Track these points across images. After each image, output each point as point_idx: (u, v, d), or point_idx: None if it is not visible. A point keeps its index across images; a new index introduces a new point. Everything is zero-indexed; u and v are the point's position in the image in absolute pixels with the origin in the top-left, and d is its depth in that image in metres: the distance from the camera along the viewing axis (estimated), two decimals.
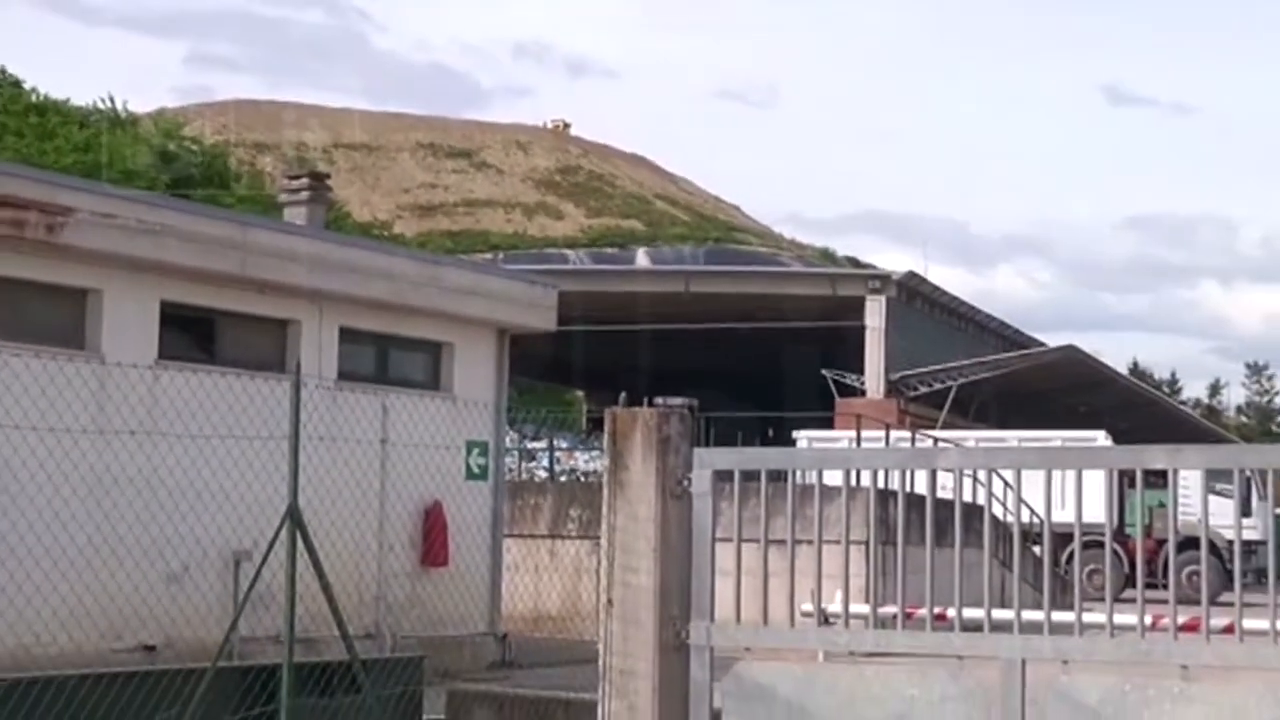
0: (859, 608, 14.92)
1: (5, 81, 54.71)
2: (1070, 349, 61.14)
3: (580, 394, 57.17)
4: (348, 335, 24.30)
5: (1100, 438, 35.10)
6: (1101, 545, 16.31)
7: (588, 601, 28.11)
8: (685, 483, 14.67)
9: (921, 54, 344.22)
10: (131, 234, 21.82)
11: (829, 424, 44.41)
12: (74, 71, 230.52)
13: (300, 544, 12.72)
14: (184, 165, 53.54)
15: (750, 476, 14.93)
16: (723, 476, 14.85)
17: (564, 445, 57.08)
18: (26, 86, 55.63)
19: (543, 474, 48.78)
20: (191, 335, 22.54)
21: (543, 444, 55.94)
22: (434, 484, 25.23)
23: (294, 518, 12.55)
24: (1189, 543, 15.76)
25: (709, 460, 14.84)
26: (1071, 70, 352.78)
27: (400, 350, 25.78)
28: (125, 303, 21.60)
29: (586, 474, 45.50)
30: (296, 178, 33.89)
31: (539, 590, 30.82)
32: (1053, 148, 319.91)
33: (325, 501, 12.43)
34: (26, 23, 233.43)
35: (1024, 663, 13.41)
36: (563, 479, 45.86)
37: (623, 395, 15.90)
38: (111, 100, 61.36)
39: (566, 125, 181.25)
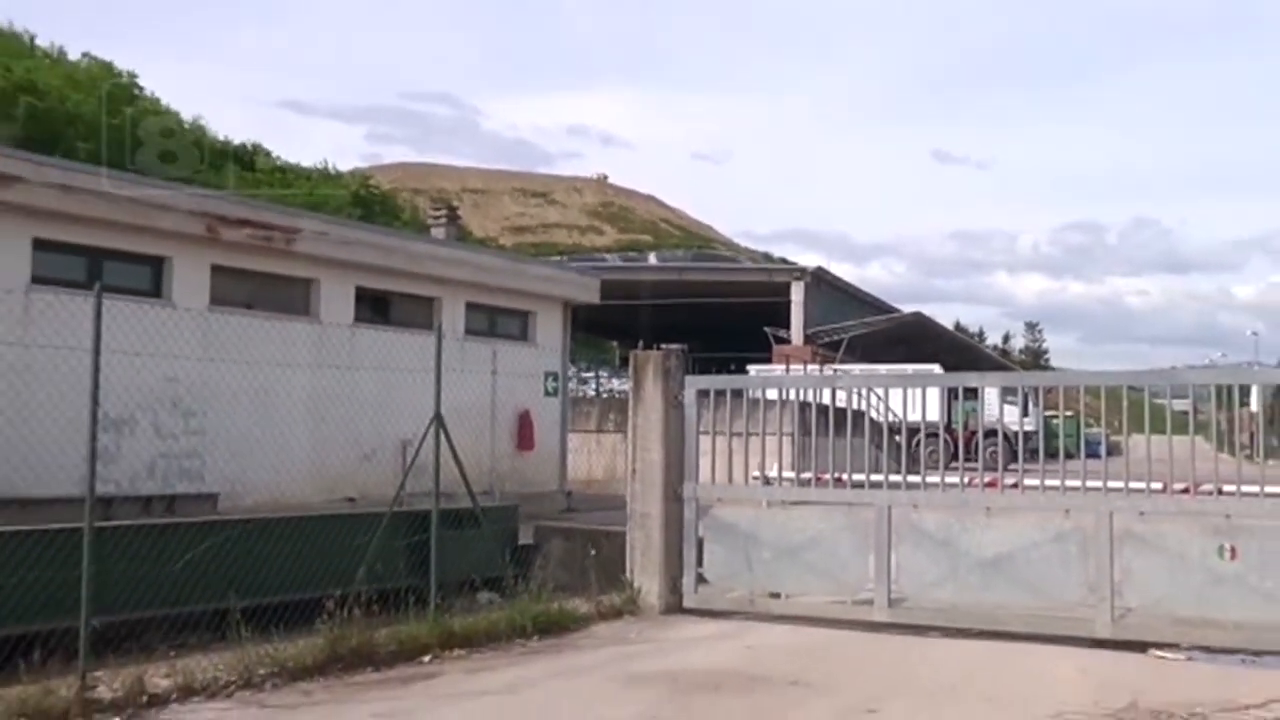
0: (788, 474, 14.96)
1: (260, 151, 54.69)
2: (917, 314, 61.11)
3: (614, 343, 57.19)
4: (471, 306, 24.32)
5: (936, 369, 34.90)
6: (937, 435, 16.31)
7: (620, 471, 28.13)
8: (680, 397, 14.90)
9: (822, 125, 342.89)
10: (336, 244, 21.84)
11: (769, 361, 44.30)
12: (302, 144, 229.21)
13: (442, 436, 12.73)
14: (368, 202, 53.48)
15: (719, 393, 15.06)
16: (703, 393, 15.02)
17: (604, 375, 57.38)
18: (274, 155, 55.59)
19: (591, 393, 48.84)
20: (374, 306, 22.56)
21: (591, 374, 56.24)
22: (524, 398, 25.28)
23: (438, 420, 12.56)
24: (991, 433, 15.89)
25: (694, 383, 15.11)
26: (916, 139, 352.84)
27: (503, 316, 25.77)
28: (333, 287, 21.60)
29: (619, 393, 45.48)
30: (438, 210, 33.94)
31: (590, 464, 30.84)
32: (905, 189, 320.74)
33: (457, 409, 12.45)
34: (274, 116, 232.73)
35: (890, 508, 13.58)
36: (604, 396, 45.81)
37: (640, 343, 16.01)
38: (325, 162, 61.08)
39: (605, 176, 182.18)
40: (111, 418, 9.92)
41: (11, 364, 15.48)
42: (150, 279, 18.60)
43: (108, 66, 47.34)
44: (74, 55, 47.06)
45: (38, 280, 16.91)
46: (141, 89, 48.02)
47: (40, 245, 17.12)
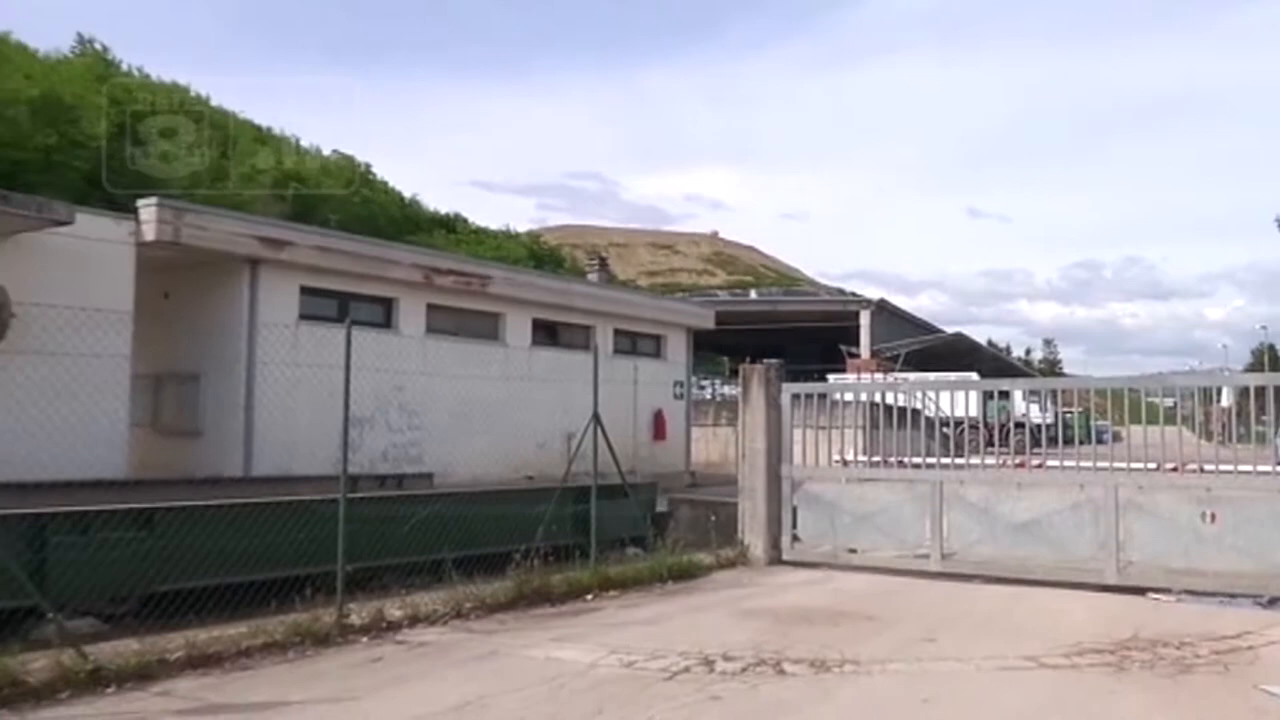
0: (861, 458, 14.82)
1: (459, 219, 55.22)
2: (959, 334, 60.03)
3: (724, 359, 57.04)
4: (617, 332, 24.47)
5: (974, 376, 34.35)
6: (975, 427, 16.04)
7: (730, 456, 28.05)
8: (778, 399, 14.82)
9: (880, 189, 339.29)
10: (517, 286, 22.10)
11: (843, 372, 43.88)
12: (489, 213, 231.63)
13: (599, 430, 12.78)
14: (539, 255, 53.87)
15: (808, 396, 14.98)
16: (795, 397, 14.93)
17: (717, 383, 57.29)
18: (469, 221, 56.10)
19: (708, 397, 48.73)
20: (546, 333, 22.76)
21: (707, 383, 56.16)
22: (658, 401, 25.37)
23: (596, 418, 12.63)
24: (1018, 426, 15.59)
25: (788, 389, 15.04)
26: (953, 200, 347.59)
27: (641, 339, 25.85)
28: (516, 319, 21.86)
29: (729, 397, 45.36)
30: (592, 260, 34.27)
31: (708, 451, 30.82)
32: (945, 238, 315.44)
33: (608, 410, 12.51)
34: (468, 192, 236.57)
35: (941, 483, 13.37)
36: (717, 399, 45.67)
37: (749, 358, 15.94)
38: (508, 227, 61.69)
39: (716, 232, 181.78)
40: (357, 417, 10.11)
41: (286, 378, 15.89)
42: (383, 314, 19.00)
43: (350, 159, 48.22)
44: (326, 151, 47.99)
45: (304, 317, 17.37)
46: (374, 175, 48.87)
47: (305, 291, 17.58)
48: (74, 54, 41.47)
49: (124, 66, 42.86)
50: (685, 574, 13.22)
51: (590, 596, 11.72)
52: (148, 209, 15.64)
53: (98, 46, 42.97)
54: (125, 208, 16.91)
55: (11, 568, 7.87)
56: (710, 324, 28.98)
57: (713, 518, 15.35)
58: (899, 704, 7.45)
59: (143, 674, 7.77)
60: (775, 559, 14.47)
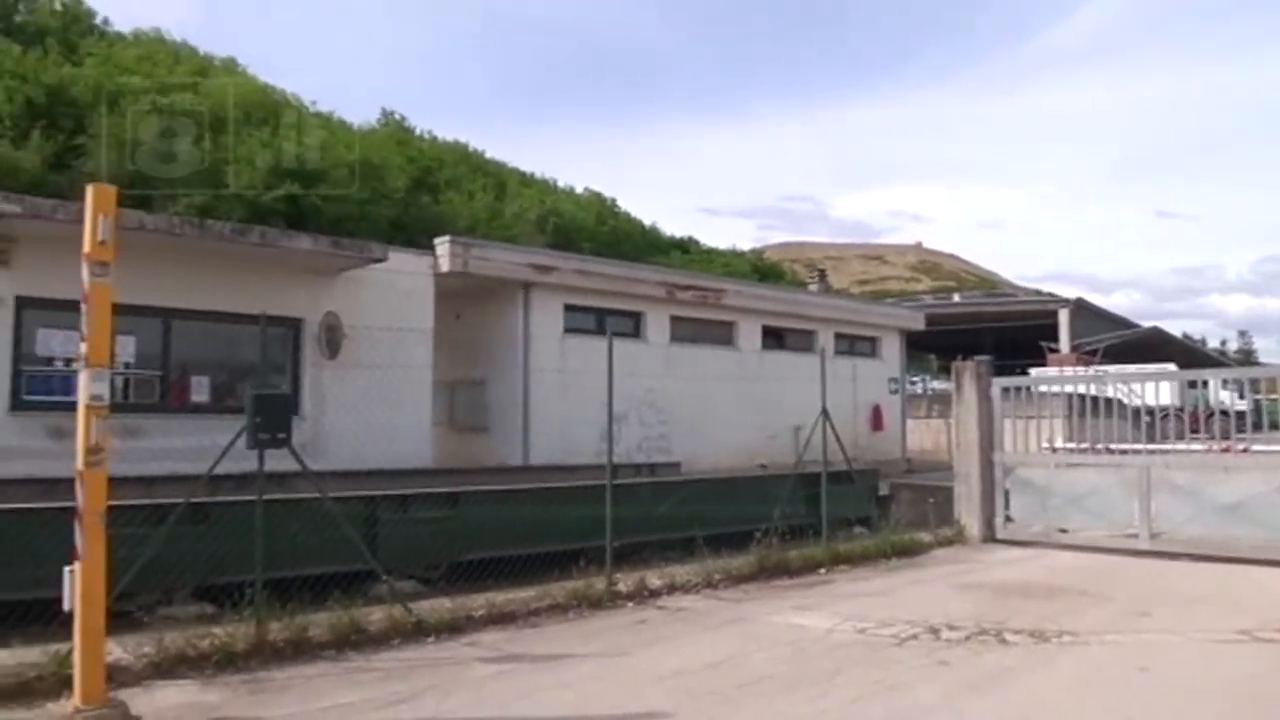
0: (1069, 444, 14.14)
1: (692, 240, 55.23)
2: (1155, 328, 56.22)
3: (932, 357, 55.35)
4: (837, 335, 24.17)
5: (1171, 367, 32.13)
6: (1178, 416, 15.01)
7: (942, 445, 27.24)
8: (989, 392, 14.22)
9: (1073, 196, 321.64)
10: (748, 298, 22.17)
11: (1044, 366, 41.88)
12: (717, 234, 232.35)
13: (826, 422, 12.63)
14: (762, 270, 53.59)
15: (1016, 389, 14.40)
16: (1004, 389, 14.37)
17: (927, 379, 55.66)
18: (700, 242, 56.14)
19: (919, 392, 47.37)
20: (774, 338, 22.69)
21: (918, 379, 54.62)
22: (875, 396, 24.93)
23: (824, 412, 12.48)
24: (1216, 413, 14.50)
25: (998, 382, 14.47)
26: (1143, 203, 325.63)
27: (859, 341, 25.46)
28: (747, 326, 21.93)
29: (939, 391, 43.99)
30: (812, 273, 33.91)
31: (921, 440, 30.00)
32: (1137, 238, 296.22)
33: (832, 404, 12.36)
34: (698, 218, 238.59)
35: (1149, 468, 12.56)
36: (928, 394, 44.31)
37: (960, 356, 15.41)
38: (734, 247, 61.59)
39: (920, 243, 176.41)
40: (614, 414, 10.30)
41: (556, 382, 16.46)
42: (633, 326, 19.39)
43: (598, 194, 49.41)
44: (579, 189, 49.30)
45: (568, 330, 17.94)
46: (618, 206, 49.83)
47: (568, 308, 18.17)
48: (380, 124, 44.06)
49: (417, 131, 45.22)
50: (907, 551, 12.91)
51: (823, 570, 11.59)
52: (442, 245, 16.51)
53: (397, 116, 45.52)
54: (421, 245, 17.90)
55: (354, 538, 8.45)
56: (921, 326, 28.26)
57: (930, 500, 14.94)
58: (1117, 672, 7.06)
59: (454, 627, 8.19)
60: (989, 538, 13.95)
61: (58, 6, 37.76)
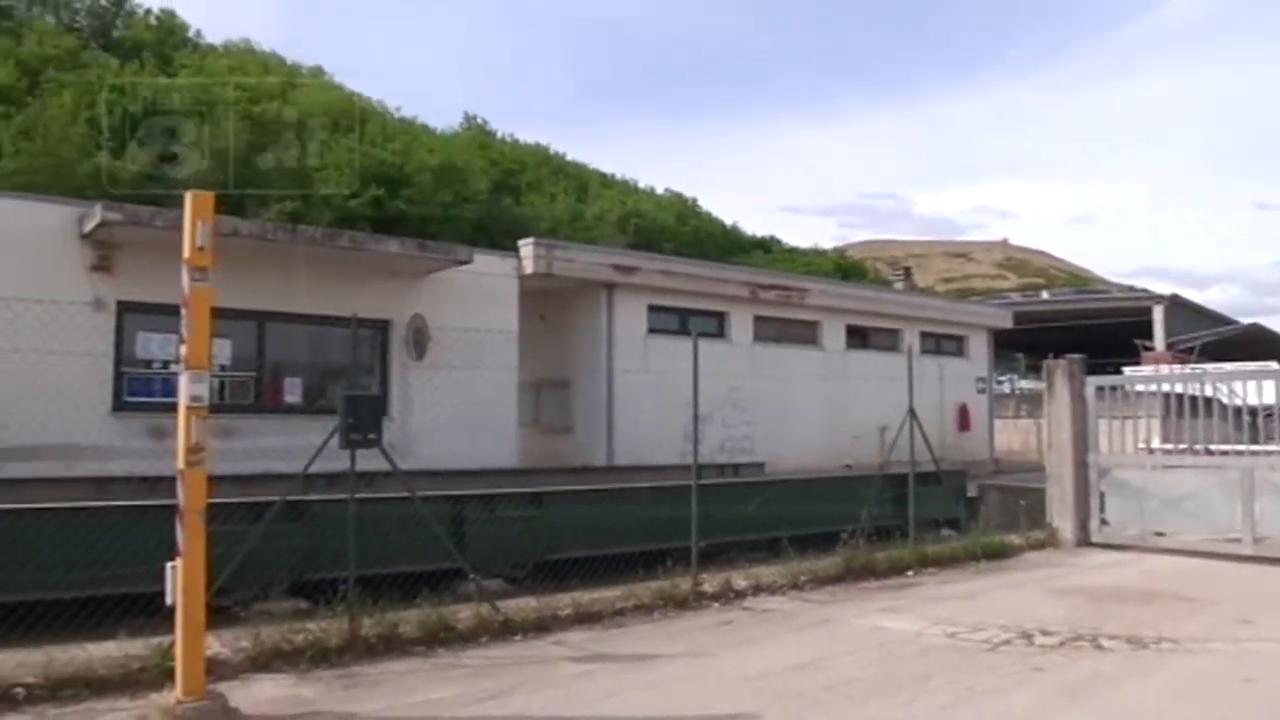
0: (1166, 445, 13.73)
1: (774, 240, 55.03)
2: (1255, 324, 54.28)
3: (1019, 355, 54.17)
4: (923, 334, 23.78)
5: (1274, 365, 31.09)
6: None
7: (1030, 445, 26.72)
8: (1082, 392, 13.89)
9: (1166, 189, 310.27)
10: (831, 298, 22.02)
11: (1138, 365, 40.71)
12: (798, 233, 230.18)
13: (914, 422, 12.42)
14: (844, 269, 53.11)
15: (1111, 388, 14.06)
16: (1098, 389, 14.06)
17: (1014, 378, 54.49)
18: (782, 242, 55.77)
19: (1006, 391, 46.42)
20: (857, 337, 22.44)
21: (1005, 378, 53.50)
22: (962, 396, 24.52)
23: (911, 412, 12.29)
24: None
25: (1091, 381, 14.13)
26: (1239, 195, 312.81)
27: (945, 339, 25.04)
28: (831, 325, 21.73)
29: (1027, 390, 43.10)
30: (897, 271, 33.53)
31: (1009, 440, 29.47)
32: (1233, 232, 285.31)
33: (919, 403, 12.16)
34: (779, 217, 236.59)
35: (1252, 470, 12.15)
36: (1016, 393, 43.45)
37: (1050, 355, 15.07)
38: (816, 246, 61.14)
39: (1006, 239, 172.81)
40: (699, 414, 10.30)
41: (639, 383, 16.51)
42: (717, 326, 19.34)
43: (679, 195, 49.49)
44: (659, 189, 49.41)
45: (651, 331, 17.97)
46: (699, 206, 49.86)
47: (652, 309, 18.19)
48: (462, 128, 44.80)
49: (499, 134, 45.87)
50: (997, 553, 12.67)
51: (910, 572, 11.43)
52: (526, 247, 16.68)
53: (479, 120, 46.21)
54: (504, 247, 18.10)
55: (442, 537, 8.58)
56: (1008, 324, 27.72)
57: (1021, 502, 14.63)
58: (1220, 682, 6.82)
59: (540, 626, 8.25)
60: (1083, 541, 13.62)
61: (153, 21, 39.09)
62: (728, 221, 53.09)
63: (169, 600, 5.79)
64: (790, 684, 6.63)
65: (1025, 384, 48.80)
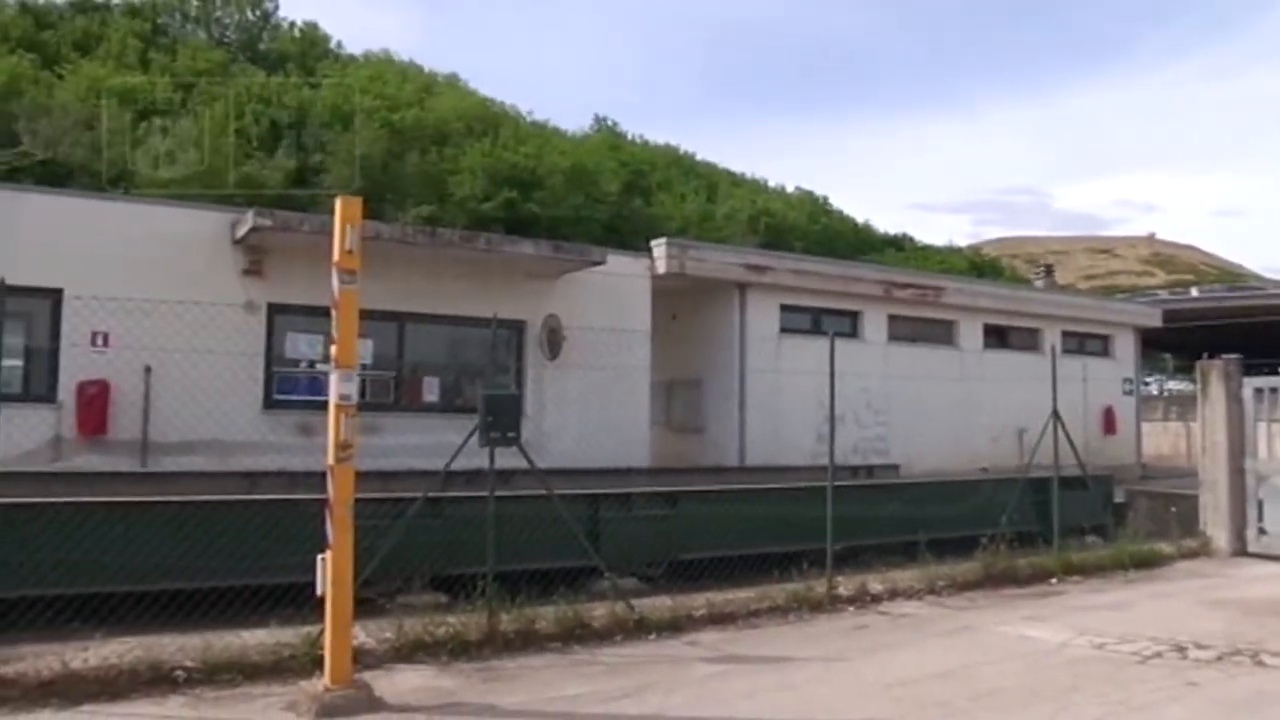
0: None
1: (907, 238, 53.80)
2: None
3: (1166, 355, 51.76)
4: (1065, 334, 22.89)
5: None
6: None
7: (1180, 450, 25.57)
8: (1239, 394, 13.18)
9: None
10: (969, 296, 21.46)
11: None
12: (930, 231, 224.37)
13: (1057, 424, 11.99)
14: (980, 267, 51.69)
15: (1271, 390, 13.33)
16: (1257, 390, 13.38)
17: (1162, 379, 52.18)
18: (915, 239, 54.57)
19: (1154, 393, 44.45)
20: (995, 336, 21.80)
21: (1152, 379, 51.26)
22: (1107, 398, 23.56)
23: (1055, 414, 11.89)
24: None
25: (1249, 383, 13.40)
26: None
27: (1089, 339, 24.09)
28: (968, 325, 21.17)
29: (1175, 392, 41.21)
30: (1037, 268, 32.54)
31: (1157, 444, 28.28)
32: None
33: (1062, 405, 11.72)
34: (911, 214, 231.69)
35: None
36: (1164, 395, 41.54)
37: (1205, 354, 14.34)
38: (950, 244, 59.64)
39: (1153, 234, 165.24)
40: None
41: (771, 383, 16.39)
42: (850, 325, 19.06)
43: (809, 193, 49.07)
44: (789, 188, 49.07)
45: (783, 330, 17.84)
46: (830, 205, 49.33)
47: (784, 308, 18.05)
48: (593, 130, 45.35)
49: (629, 135, 46.26)
50: (1146, 562, 12.17)
51: (1054, 580, 11.07)
52: (659, 247, 16.76)
53: (610, 122, 46.71)
54: (634, 248, 18.22)
55: (578, 535, 8.69)
56: (1157, 323, 26.54)
57: (1171, 509, 14.02)
58: None
59: (674, 626, 8.29)
60: (1239, 551, 12.95)
61: (297, 34, 40.78)
62: (858, 219, 52.37)
63: (319, 591, 6.02)
64: (931, 692, 6.49)
65: (1174, 385, 46.66)
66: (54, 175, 21.60)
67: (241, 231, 12.88)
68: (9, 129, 23.33)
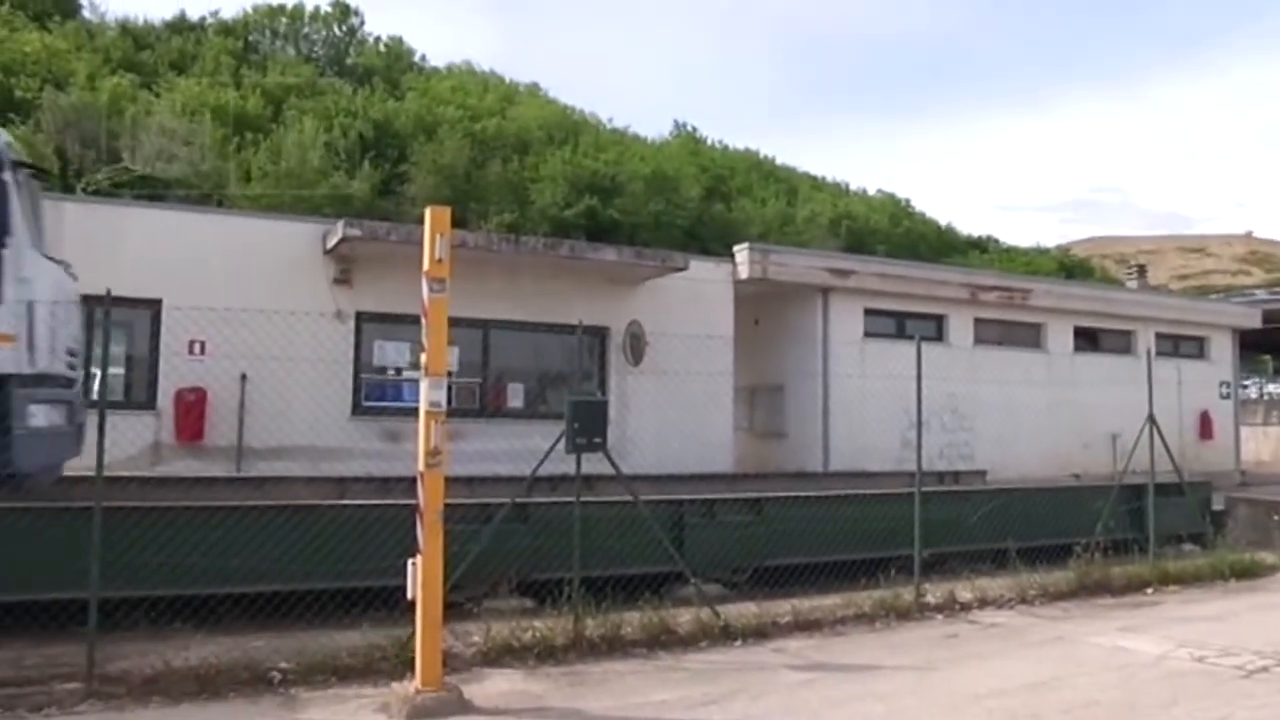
0: None
1: (991, 239, 52.63)
2: None
3: (1266, 356, 49.92)
4: (1159, 335, 22.22)
5: None
6: None
7: None
8: None
9: None
10: (1057, 298, 21.05)
11: None
12: (1016, 231, 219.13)
13: (1153, 430, 11.65)
14: (1068, 268, 50.49)
15: None
16: None
17: (1263, 382, 50.19)
18: (1000, 241, 53.37)
19: (1254, 396, 42.84)
20: (1085, 339, 21.27)
21: (1251, 382, 49.34)
22: (1203, 401, 22.84)
23: (1151, 419, 11.58)
24: None
25: None
26: None
27: (1184, 341, 23.36)
28: (1057, 327, 20.75)
29: (1276, 395, 39.69)
30: (1130, 269, 31.71)
31: (1258, 450, 27.37)
32: None
33: (1157, 409, 11.37)
34: (996, 215, 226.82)
35: None
36: (1265, 398, 39.99)
37: None
38: (1036, 245, 58.21)
39: (1250, 231, 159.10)
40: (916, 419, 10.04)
41: (855, 387, 16.18)
42: (935, 329, 18.77)
43: (891, 195, 48.49)
44: (871, 191, 48.61)
45: (867, 334, 17.65)
46: (912, 207, 48.61)
47: (868, 312, 17.86)
48: (672, 136, 45.37)
49: (709, 141, 46.16)
50: (1247, 572, 11.76)
51: (1149, 590, 10.76)
52: (741, 252, 16.72)
53: (689, 128, 46.68)
54: (715, 253, 18.20)
55: (663, 540, 8.70)
56: (1256, 323, 25.60)
57: (1274, 517, 13.55)
58: None
59: (759, 632, 8.25)
60: None
61: (382, 48, 41.58)
62: (941, 222, 51.49)
63: (409, 595, 6.12)
64: (1024, 704, 6.36)
65: (1274, 389, 44.88)
66: (153, 190, 22.34)
67: (332, 242, 13.17)
68: (111, 146, 24.16)
